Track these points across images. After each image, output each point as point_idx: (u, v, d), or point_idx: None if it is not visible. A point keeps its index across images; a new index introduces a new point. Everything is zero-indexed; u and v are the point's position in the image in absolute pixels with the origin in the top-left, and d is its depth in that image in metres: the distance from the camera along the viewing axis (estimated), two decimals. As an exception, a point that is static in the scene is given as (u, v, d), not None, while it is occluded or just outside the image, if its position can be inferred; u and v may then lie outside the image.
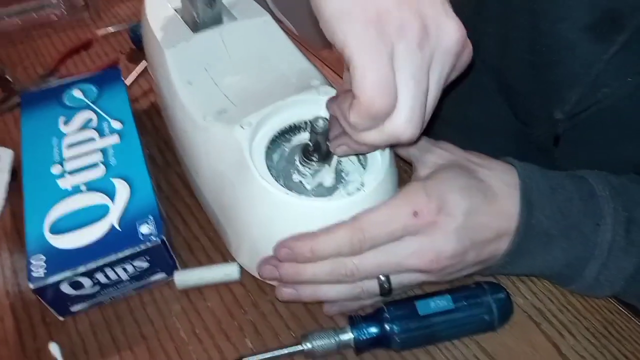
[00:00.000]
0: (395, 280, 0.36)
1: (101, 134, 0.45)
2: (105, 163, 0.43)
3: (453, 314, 0.37)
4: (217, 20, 0.44)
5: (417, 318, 0.36)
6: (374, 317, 0.37)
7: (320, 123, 0.35)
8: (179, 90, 0.41)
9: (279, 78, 0.42)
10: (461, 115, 0.57)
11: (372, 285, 0.36)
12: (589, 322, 0.40)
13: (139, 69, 0.60)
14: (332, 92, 0.40)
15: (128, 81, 0.58)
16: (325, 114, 0.38)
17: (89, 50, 0.64)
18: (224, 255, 0.43)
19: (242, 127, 0.38)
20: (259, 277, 0.39)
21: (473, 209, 0.35)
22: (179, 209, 0.47)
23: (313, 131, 0.36)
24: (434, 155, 0.40)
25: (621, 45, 0.39)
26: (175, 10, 0.46)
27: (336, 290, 0.36)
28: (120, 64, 0.62)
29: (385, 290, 0.36)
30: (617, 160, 0.41)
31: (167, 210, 0.47)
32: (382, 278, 0.35)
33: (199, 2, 0.42)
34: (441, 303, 0.37)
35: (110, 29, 0.66)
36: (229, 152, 0.38)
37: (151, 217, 0.39)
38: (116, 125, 0.46)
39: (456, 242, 0.34)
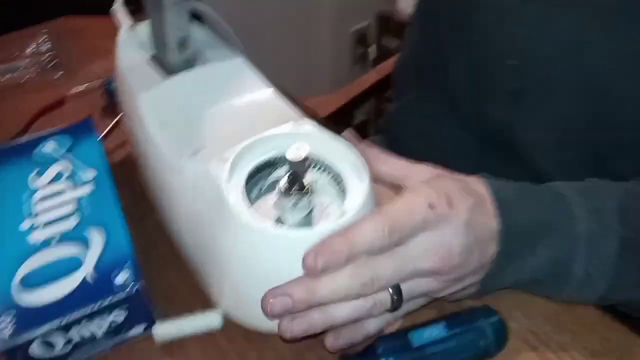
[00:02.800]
0: (406, 289, 0.35)
1: (74, 183, 0.44)
2: (79, 213, 0.41)
3: (448, 342, 0.35)
4: (189, 64, 0.45)
5: (411, 350, 0.35)
6: (367, 354, 0.36)
7: (297, 152, 0.35)
8: (152, 133, 0.41)
9: (254, 115, 0.42)
10: (423, 146, 0.60)
11: (384, 297, 0.34)
12: (586, 341, 0.39)
13: (113, 121, 0.60)
14: (306, 122, 0.40)
15: (102, 134, 0.58)
16: (302, 144, 0.38)
17: (61, 108, 0.64)
18: (206, 304, 0.41)
19: (218, 163, 0.37)
20: (243, 324, 0.38)
21: (474, 207, 0.36)
22: (157, 260, 0.45)
23: (290, 161, 0.35)
24: (419, 169, 0.40)
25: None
26: (148, 57, 0.46)
27: (350, 307, 0.34)
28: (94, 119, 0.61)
29: (396, 301, 0.34)
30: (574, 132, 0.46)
31: (144, 261, 0.44)
32: (391, 290, 0.34)
33: (170, 46, 0.43)
34: (435, 331, 0.36)
35: (82, 87, 0.67)
36: (206, 190, 0.37)
37: (127, 265, 0.38)
38: (90, 174, 0.45)
39: (464, 236, 0.35)
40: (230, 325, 0.39)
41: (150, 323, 0.39)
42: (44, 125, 0.61)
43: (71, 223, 0.41)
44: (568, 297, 0.39)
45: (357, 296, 0.34)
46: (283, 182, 0.37)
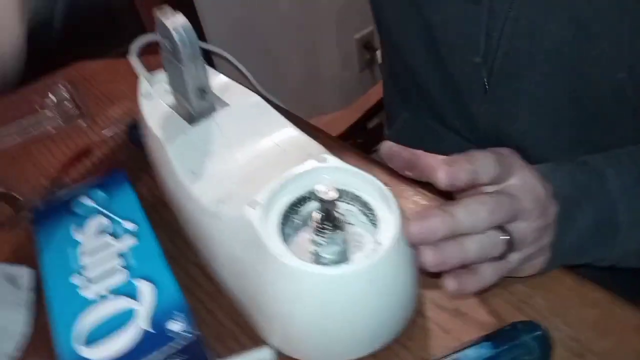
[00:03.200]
0: (511, 233, 0.37)
1: (116, 237, 0.46)
2: (126, 266, 0.43)
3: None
4: (210, 110, 0.46)
5: (460, 371, 0.36)
6: (416, 377, 0.36)
7: (327, 191, 0.36)
8: (184, 181, 0.42)
9: (276, 153, 0.44)
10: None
11: (500, 239, 0.37)
12: (631, 346, 0.39)
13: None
14: (330, 158, 0.41)
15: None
16: (328, 181, 0.39)
17: (89, 157, 0.66)
18: (255, 339, 0.43)
19: (251, 207, 0.38)
20: (294, 357, 0.39)
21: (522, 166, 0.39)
22: (201, 298, 0.47)
23: (321, 200, 0.36)
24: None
25: None
26: (170, 106, 0.48)
27: (478, 241, 0.36)
28: (124, 171, 0.63)
29: (508, 242, 0.37)
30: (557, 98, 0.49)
31: (189, 300, 0.46)
32: (503, 234, 0.37)
33: (191, 96, 0.44)
34: (481, 351, 0.36)
35: (108, 132, 0.69)
36: (243, 235, 0.38)
37: (181, 314, 0.39)
38: (130, 226, 0.46)
39: (541, 184, 0.38)
40: (282, 358, 0.41)
41: (204, 365, 0.41)
42: (74, 174, 0.64)
43: (120, 277, 0.42)
44: (617, 255, 0.42)
45: (484, 226, 0.36)
46: (316, 219, 0.38)
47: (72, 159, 0.65)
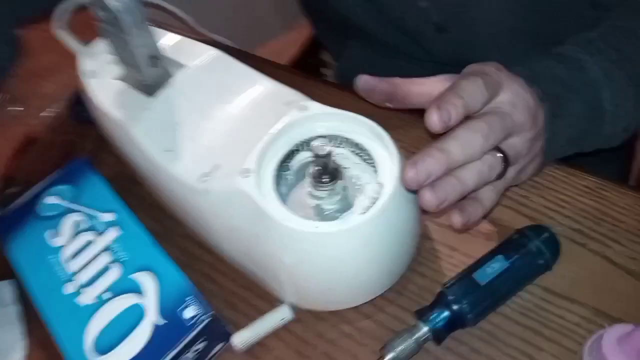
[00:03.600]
0: (506, 150, 0.37)
1: (97, 232, 0.43)
2: (117, 260, 0.41)
3: (511, 272, 0.37)
4: (166, 76, 0.42)
5: (480, 289, 0.37)
6: (439, 303, 0.37)
7: (321, 145, 0.34)
8: (160, 162, 0.39)
9: (251, 109, 0.41)
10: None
11: (496, 160, 0.37)
12: (628, 224, 0.41)
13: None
14: (310, 104, 0.39)
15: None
16: (319, 131, 0.37)
17: (35, 145, 0.60)
18: (267, 299, 0.42)
19: (243, 177, 0.36)
20: (311, 309, 0.39)
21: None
22: (204, 271, 0.45)
23: (317, 155, 0.35)
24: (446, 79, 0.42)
25: None
26: (119, 79, 0.43)
27: (475, 170, 0.36)
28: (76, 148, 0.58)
29: (504, 160, 0.37)
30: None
31: (192, 277, 0.45)
32: (498, 153, 0.37)
33: (142, 66, 0.40)
34: (496, 266, 0.37)
35: (47, 114, 0.62)
36: (239, 206, 0.36)
37: (191, 297, 0.38)
38: (108, 217, 0.43)
39: (529, 94, 0.38)
40: (300, 312, 0.41)
41: (227, 336, 0.41)
42: (26, 169, 0.58)
43: (114, 274, 0.40)
44: (604, 139, 0.43)
45: (480, 153, 0.36)
46: (313, 174, 0.37)
47: (16, 151, 0.59)
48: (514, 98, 0.37)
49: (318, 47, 0.80)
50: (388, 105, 0.42)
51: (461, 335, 0.38)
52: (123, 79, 0.43)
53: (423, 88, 0.41)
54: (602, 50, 0.41)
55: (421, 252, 0.43)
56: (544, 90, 0.39)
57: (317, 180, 0.37)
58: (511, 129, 0.37)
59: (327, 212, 0.37)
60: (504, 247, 0.38)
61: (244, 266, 0.42)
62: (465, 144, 0.35)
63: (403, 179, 0.34)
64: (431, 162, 0.34)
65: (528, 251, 0.38)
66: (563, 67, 0.41)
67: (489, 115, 0.36)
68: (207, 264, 0.45)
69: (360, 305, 0.40)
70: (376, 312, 0.41)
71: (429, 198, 0.34)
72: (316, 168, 0.36)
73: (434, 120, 0.33)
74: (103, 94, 0.42)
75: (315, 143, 0.34)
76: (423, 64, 0.58)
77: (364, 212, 0.36)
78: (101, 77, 0.43)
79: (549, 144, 0.40)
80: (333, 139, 0.39)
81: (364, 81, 0.41)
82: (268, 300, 0.42)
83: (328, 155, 0.35)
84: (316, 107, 0.39)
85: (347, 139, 0.39)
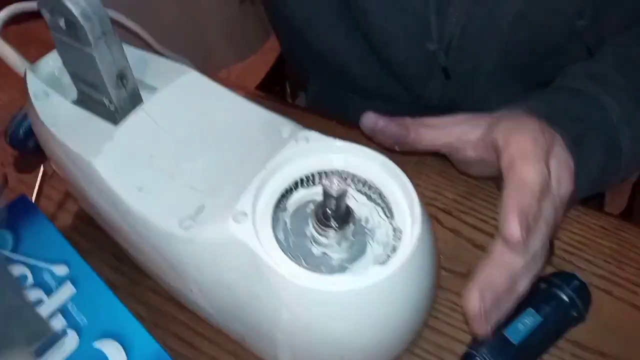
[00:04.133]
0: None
1: (45, 290, 0.34)
2: (74, 326, 0.33)
3: (544, 327, 0.33)
4: (136, 100, 0.35)
5: (514, 349, 0.32)
6: (467, 366, 0.32)
7: (335, 184, 0.29)
8: (130, 203, 0.32)
9: (242, 140, 0.35)
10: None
11: (539, 246, 0.32)
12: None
13: (38, 179, 0.48)
14: (310, 134, 0.33)
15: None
16: (321, 167, 0.32)
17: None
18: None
19: (237, 222, 0.30)
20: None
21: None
22: (180, 333, 0.38)
23: (329, 195, 0.29)
24: (466, 124, 0.37)
25: None
26: (77, 103, 0.36)
27: (527, 277, 0.32)
28: (8, 181, 0.49)
29: (551, 247, 0.34)
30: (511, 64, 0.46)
31: (165, 340, 0.37)
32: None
33: (109, 86, 0.33)
34: (528, 321, 0.33)
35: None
36: (232, 258, 0.30)
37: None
38: (59, 270, 0.35)
39: (567, 152, 0.35)
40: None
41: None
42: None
43: (71, 343, 0.32)
44: (620, 177, 0.40)
45: (539, 258, 0.32)
46: (318, 216, 0.31)
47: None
48: (558, 169, 0.33)
49: (282, 75, 0.76)
50: (396, 149, 0.38)
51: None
52: (82, 102, 0.36)
53: (438, 134, 0.37)
54: (623, 90, 0.39)
55: (435, 304, 0.37)
56: (565, 132, 0.36)
57: (324, 224, 0.31)
58: (561, 206, 0.33)
59: (334, 262, 0.32)
60: (533, 299, 0.34)
61: (230, 328, 0.35)
62: (533, 255, 0.31)
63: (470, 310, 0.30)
64: (492, 296, 0.30)
65: (560, 302, 0.34)
66: (581, 104, 0.38)
67: (545, 213, 0.32)
68: (182, 324, 0.38)
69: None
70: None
71: (489, 324, 0.31)
72: (321, 210, 0.30)
73: (515, 233, 0.30)
74: (57, 120, 0.35)
75: (327, 182, 0.29)
76: (405, 106, 0.54)
77: (383, 263, 0.30)
78: (54, 100, 0.36)
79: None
80: (337, 174, 0.34)
81: (371, 121, 0.37)
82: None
83: (342, 195, 0.29)
84: (319, 138, 0.34)
85: (353, 175, 0.34)
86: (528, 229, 0.30)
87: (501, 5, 0.43)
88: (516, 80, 0.44)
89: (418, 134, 0.37)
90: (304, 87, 0.70)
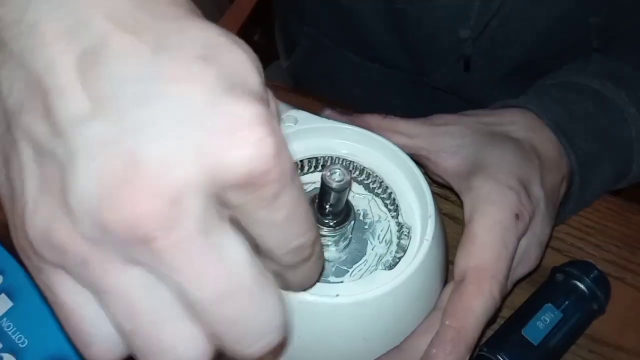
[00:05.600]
0: None
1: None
2: (11, 350, 0.27)
3: (566, 323, 0.30)
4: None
5: (535, 350, 0.29)
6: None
7: (337, 175, 0.24)
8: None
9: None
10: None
11: None
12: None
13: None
14: (302, 115, 0.28)
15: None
16: (314, 152, 0.27)
17: None
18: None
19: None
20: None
21: (543, 171, 0.30)
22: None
23: (329, 189, 0.24)
24: (447, 137, 0.31)
25: None
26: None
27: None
28: None
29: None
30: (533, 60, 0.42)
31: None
32: None
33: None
34: (548, 318, 0.29)
35: None
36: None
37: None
38: (-11, 282, 0.29)
39: (550, 219, 0.30)
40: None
41: None
42: None
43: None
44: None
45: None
46: (314, 211, 0.26)
47: None
48: (529, 248, 0.29)
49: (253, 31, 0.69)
50: None
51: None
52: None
53: (409, 143, 0.31)
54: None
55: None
56: (576, 154, 0.32)
57: (320, 221, 0.26)
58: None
59: (333, 264, 0.27)
60: (550, 293, 0.31)
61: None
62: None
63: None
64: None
65: (580, 295, 0.30)
66: (601, 113, 0.34)
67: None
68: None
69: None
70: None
71: None
72: (320, 204, 0.26)
73: None
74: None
75: (327, 172, 0.24)
76: (406, 76, 0.49)
77: (390, 267, 0.26)
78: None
79: (567, 209, 0.34)
80: (328, 160, 0.29)
81: (330, 114, 0.32)
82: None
83: (345, 188, 0.24)
84: (309, 118, 0.29)
85: (350, 161, 0.29)
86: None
87: (530, 18, 0.40)
88: (530, 77, 0.40)
89: (386, 136, 0.31)
90: (269, 60, 0.64)
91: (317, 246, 0.19)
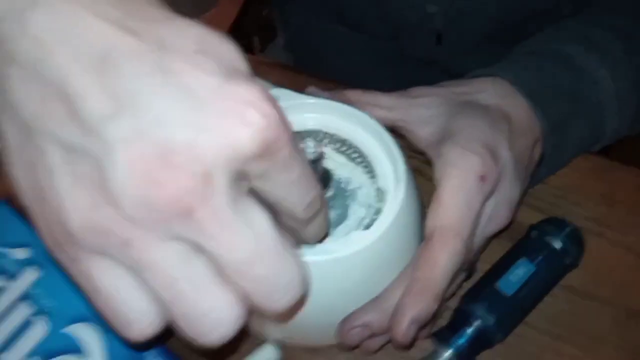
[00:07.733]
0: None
1: (8, 275, 0.32)
2: (42, 312, 0.31)
3: (537, 277, 0.32)
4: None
5: (507, 301, 0.31)
6: (460, 321, 0.31)
7: (311, 146, 0.26)
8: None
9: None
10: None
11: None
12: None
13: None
14: (280, 92, 0.31)
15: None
16: (305, 127, 0.30)
17: None
18: (245, 337, 0.34)
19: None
20: (303, 346, 0.32)
21: (512, 137, 0.31)
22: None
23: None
24: (422, 109, 0.33)
25: None
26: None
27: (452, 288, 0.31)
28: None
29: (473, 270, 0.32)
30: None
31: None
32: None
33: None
34: (520, 272, 0.32)
35: None
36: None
37: (153, 351, 0.29)
38: (19, 253, 0.33)
39: (520, 181, 0.31)
40: (290, 351, 0.33)
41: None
42: None
43: (40, 330, 0.30)
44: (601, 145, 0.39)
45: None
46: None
47: None
48: (497, 208, 0.30)
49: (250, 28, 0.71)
50: None
51: (486, 355, 0.32)
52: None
53: (388, 116, 0.33)
54: (622, 66, 0.36)
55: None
56: (547, 117, 0.33)
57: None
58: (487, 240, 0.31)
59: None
60: (525, 248, 0.33)
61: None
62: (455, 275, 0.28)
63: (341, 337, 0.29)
64: (366, 332, 0.28)
65: (553, 251, 0.32)
66: (571, 77, 0.35)
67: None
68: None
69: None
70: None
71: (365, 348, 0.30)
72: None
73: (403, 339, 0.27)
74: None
75: (300, 145, 0.26)
76: (393, 46, 0.51)
77: (367, 227, 0.28)
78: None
79: (543, 171, 0.36)
80: (312, 134, 0.32)
81: (312, 90, 0.34)
82: (245, 339, 0.34)
83: (319, 159, 0.27)
84: (291, 96, 0.31)
85: (330, 134, 0.32)
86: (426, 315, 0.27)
87: None
88: (503, 44, 0.41)
89: (366, 110, 0.33)
90: (277, 34, 0.66)
91: (323, 198, 0.21)
